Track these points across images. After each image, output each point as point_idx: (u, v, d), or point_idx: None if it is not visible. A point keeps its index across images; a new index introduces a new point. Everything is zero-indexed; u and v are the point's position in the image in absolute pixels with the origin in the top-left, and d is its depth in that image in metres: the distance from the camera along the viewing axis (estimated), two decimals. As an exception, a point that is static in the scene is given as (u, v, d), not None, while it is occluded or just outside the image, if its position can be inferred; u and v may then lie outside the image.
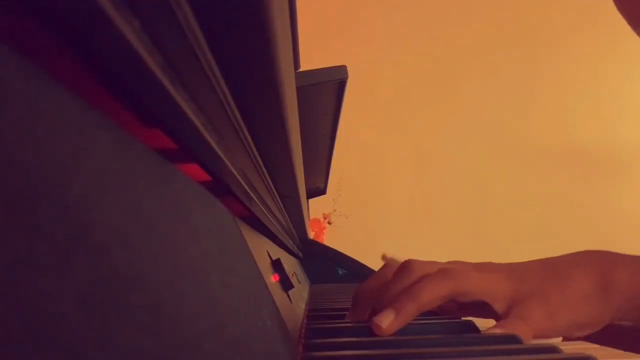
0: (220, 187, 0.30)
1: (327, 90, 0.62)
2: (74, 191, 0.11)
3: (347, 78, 0.60)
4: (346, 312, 0.51)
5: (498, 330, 0.41)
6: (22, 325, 0.08)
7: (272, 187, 0.46)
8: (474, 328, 0.44)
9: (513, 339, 0.38)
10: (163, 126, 0.20)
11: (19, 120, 0.10)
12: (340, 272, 1.34)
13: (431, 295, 0.42)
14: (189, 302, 0.16)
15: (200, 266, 0.19)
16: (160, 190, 0.17)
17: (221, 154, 0.25)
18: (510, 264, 0.48)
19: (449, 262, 0.50)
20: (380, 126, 2.29)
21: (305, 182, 0.82)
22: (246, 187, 0.34)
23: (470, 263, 0.49)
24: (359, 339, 0.40)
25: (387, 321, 0.40)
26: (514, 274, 0.46)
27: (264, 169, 0.38)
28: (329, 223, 2.12)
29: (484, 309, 0.45)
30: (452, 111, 2.30)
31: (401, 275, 0.46)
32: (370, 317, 0.43)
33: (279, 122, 0.30)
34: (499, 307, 0.44)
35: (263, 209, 0.44)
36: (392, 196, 2.27)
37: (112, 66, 0.14)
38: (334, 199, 2.07)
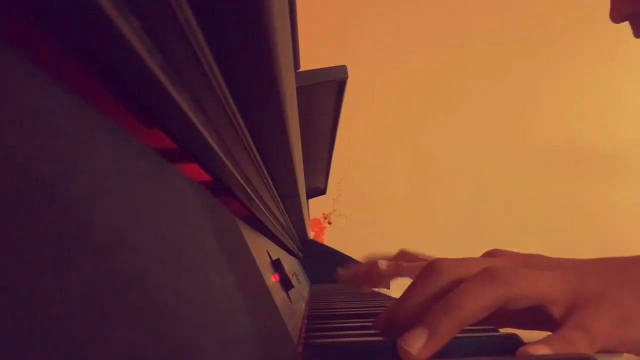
0: (220, 187, 0.30)
1: (327, 90, 0.62)
2: (74, 191, 0.11)
3: (347, 78, 0.60)
4: (346, 312, 0.51)
5: (546, 349, 0.32)
6: (23, 325, 0.08)
7: (272, 187, 0.46)
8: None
9: (512, 338, 0.38)
10: (163, 126, 0.20)
11: (19, 120, 0.10)
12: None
13: (474, 305, 0.32)
14: (189, 302, 0.16)
15: (200, 266, 0.19)
16: (161, 190, 0.17)
17: (221, 154, 0.25)
18: (566, 259, 0.39)
19: (486, 256, 0.39)
20: (381, 126, 2.30)
21: (305, 182, 0.82)
22: (246, 187, 0.34)
23: (515, 255, 0.39)
24: (360, 339, 0.40)
25: (418, 344, 0.31)
26: (574, 270, 0.37)
27: (264, 169, 0.38)
28: (329, 223, 2.12)
29: (535, 317, 0.36)
30: (452, 111, 2.30)
31: (428, 280, 0.36)
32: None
33: (279, 122, 0.30)
34: (556, 311, 0.35)
35: (263, 209, 0.44)
36: (392, 196, 2.27)
37: (112, 66, 0.14)
38: (334, 199, 2.08)
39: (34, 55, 0.12)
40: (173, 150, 0.22)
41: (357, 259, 1.35)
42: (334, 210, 2.12)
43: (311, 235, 1.71)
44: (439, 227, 2.22)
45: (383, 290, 1.05)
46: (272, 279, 0.41)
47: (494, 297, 0.33)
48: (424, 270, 0.37)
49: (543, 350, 0.31)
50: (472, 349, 0.34)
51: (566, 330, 0.33)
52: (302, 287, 0.78)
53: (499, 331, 0.40)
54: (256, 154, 0.33)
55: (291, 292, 0.48)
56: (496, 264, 0.36)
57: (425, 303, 0.35)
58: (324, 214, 2.12)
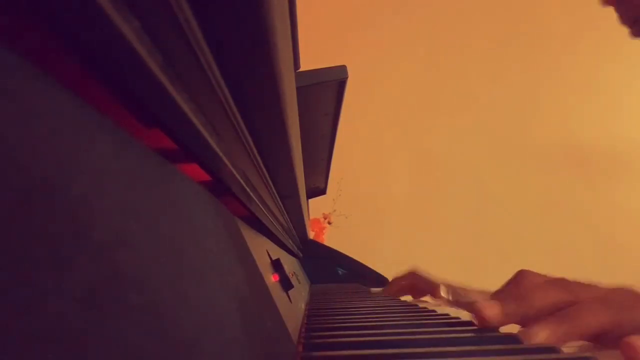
0: (220, 187, 0.30)
1: (327, 90, 0.62)
2: (73, 192, 0.11)
3: (347, 78, 0.60)
4: (346, 312, 0.51)
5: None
6: (23, 325, 0.08)
7: (272, 187, 0.46)
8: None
9: (512, 338, 0.38)
10: (163, 126, 0.20)
11: (19, 120, 0.10)
12: (340, 272, 1.34)
13: (591, 321, 0.37)
14: (189, 302, 0.16)
15: (200, 266, 0.19)
16: (161, 191, 0.17)
17: (221, 154, 0.25)
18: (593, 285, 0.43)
19: (518, 276, 0.45)
20: (381, 126, 2.29)
21: (305, 182, 0.83)
22: (246, 187, 0.34)
23: (585, 285, 0.43)
24: (360, 339, 0.40)
25: (539, 338, 0.37)
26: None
27: (264, 169, 0.38)
28: (329, 223, 2.12)
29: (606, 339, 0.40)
30: (453, 111, 2.30)
31: (541, 291, 0.41)
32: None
33: (279, 122, 0.30)
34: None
35: (263, 209, 0.44)
36: (392, 196, 2.26)
37: (112, 66, 0.14)
38: (334, 199, 2.07)
39: (34, 55, 0.12)
40: (173, 150, 0.22)
41: (357, 259, 1.35)
42: (334, 210, 2.12)
43: (311, 235, 1.71)
44: (439, 227, 2.22)
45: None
46: (272, 279, 0.41)
47: (606, 318, 0.37)
48: (542, 287, 0.41)
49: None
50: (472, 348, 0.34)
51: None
52: (302, 287, 0.78)
53: (499, 331, 0.41)
54: (256, 154, 0.33)
55: (291, 292, 0.48)
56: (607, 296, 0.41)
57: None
58: (324, 214, 2.12)
